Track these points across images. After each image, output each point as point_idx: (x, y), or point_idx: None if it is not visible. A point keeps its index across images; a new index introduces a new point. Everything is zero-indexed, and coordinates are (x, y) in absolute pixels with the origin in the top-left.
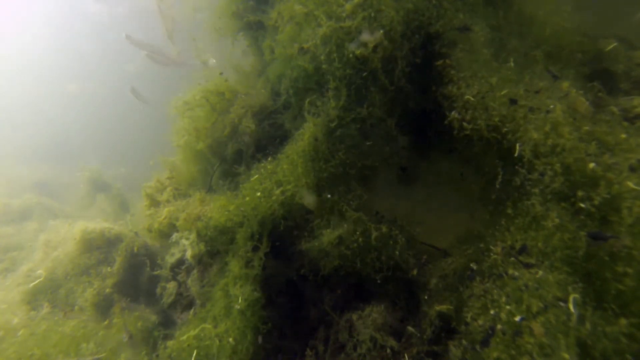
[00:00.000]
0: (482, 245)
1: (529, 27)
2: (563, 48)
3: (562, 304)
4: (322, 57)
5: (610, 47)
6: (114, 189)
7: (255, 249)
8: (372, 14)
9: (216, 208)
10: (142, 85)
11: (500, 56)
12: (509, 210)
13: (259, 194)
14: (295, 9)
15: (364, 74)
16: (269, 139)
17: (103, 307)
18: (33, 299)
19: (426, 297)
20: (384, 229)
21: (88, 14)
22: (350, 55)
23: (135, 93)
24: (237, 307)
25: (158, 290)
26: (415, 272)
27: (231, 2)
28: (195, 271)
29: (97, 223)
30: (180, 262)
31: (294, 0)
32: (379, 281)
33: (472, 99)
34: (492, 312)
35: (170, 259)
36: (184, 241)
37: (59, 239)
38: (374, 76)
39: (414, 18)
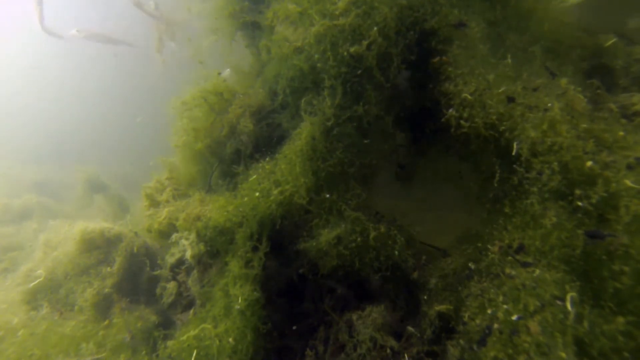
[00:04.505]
0: (480, 244)
1: (527, 22)
2: (562, 43)
3: (559, 302)
4: (317, 56)
5: (610, 42)
6: (112, 189)
7: (254, 249)
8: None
9: (215, 208)
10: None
11: (498, 52)
12: (507, 209)
13: (257, 194)
14: (290, 8)
15: (359, 71)
16: (267, 138)
17: (103, 307)
18: (33, 299)
19: (426, 297)
20: (383, 229)
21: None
22: (345, 54)
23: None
24: (237, 307)
25: (158, 290)
26: (415, 274)
27: (228, 3)
28: (195, 271)
29: (97, 223)
30: (180, 262)
31: (288, 0)
32: (377, 280)
33: (469, 97)
34: (489, 311)
35: (170, 259)
36: (183, 241)
37: (59, 239)
38: (369, 74)
39: (409, 14)
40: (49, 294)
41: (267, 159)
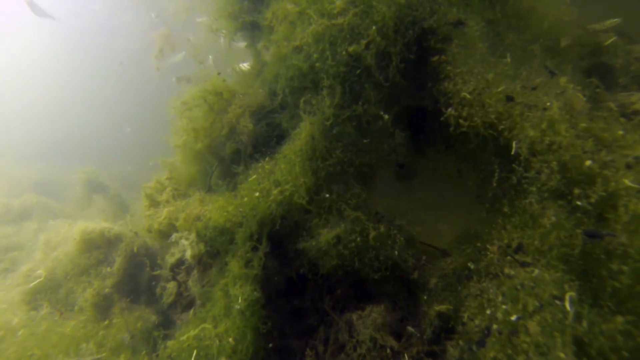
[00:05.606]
0: (479, 244)
1: (526, 21)
2: (561, 42)
3: (558, 302)
4: (315, 56)
5: (609, 41)
6: (112, 189)
7: (254, 249)
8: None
9: (215, 208)
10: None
11: (497, 51)
12: (506, 209)
13: (257, 194)
14: (288, 8)
15: (358, 71)
16: (266, 138)
17: (103, 307)
18: (33, 299)
19: (425, 297)
20: (382, 229)
21: (90, 12)
22: (344, 53)
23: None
24: (237, 307)
25: (158, 290)
26: (415, 274)
27: (227, 3)
28: (195, 271)
29: (97, 223)
30: (180, 262)
31: (287, 0)
32: (376, 279)
33: (468, 96)
34: (488, 311)
35: (170, 259)
36: (183, 241)
37: (59, 239)
38: (368, 73)
39: (407, 13)
40: (49, 294)
41: (267, 159)
